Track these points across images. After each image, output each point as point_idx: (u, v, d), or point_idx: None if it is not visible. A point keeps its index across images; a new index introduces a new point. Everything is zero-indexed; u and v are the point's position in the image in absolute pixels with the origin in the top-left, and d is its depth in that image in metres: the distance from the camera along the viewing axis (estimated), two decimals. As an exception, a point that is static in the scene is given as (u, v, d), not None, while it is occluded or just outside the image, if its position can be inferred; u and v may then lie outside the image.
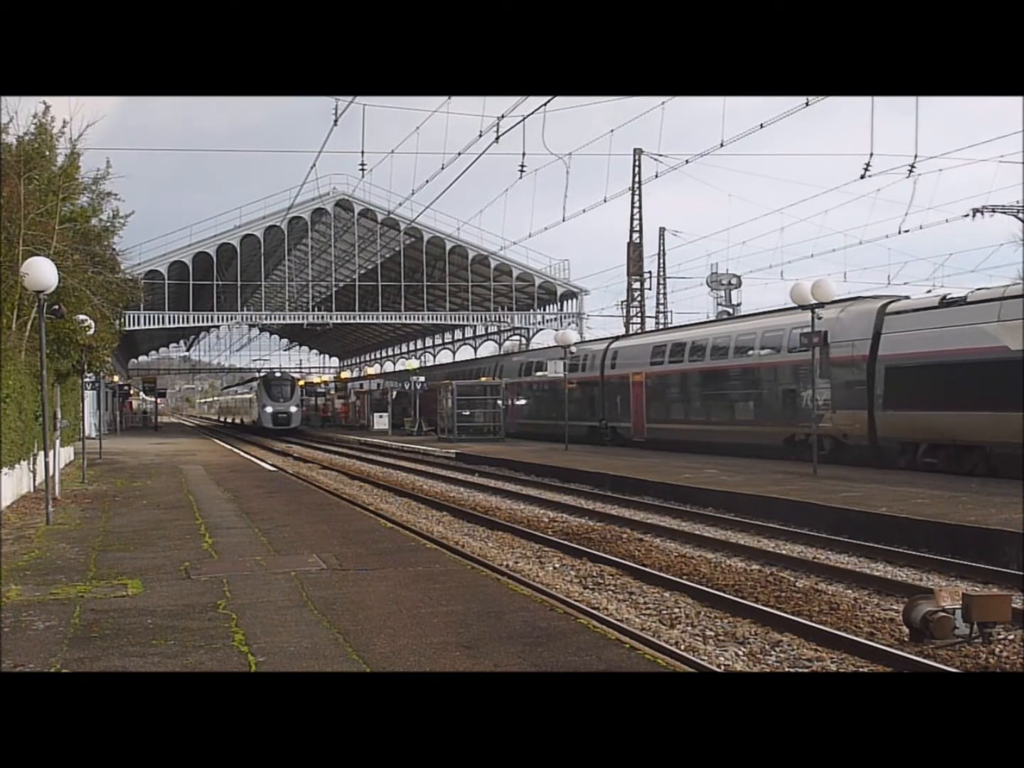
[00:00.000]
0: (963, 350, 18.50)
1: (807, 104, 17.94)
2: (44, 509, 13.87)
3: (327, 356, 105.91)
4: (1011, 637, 8.26)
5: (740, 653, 8.10)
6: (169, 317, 50.91)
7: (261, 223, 51.21)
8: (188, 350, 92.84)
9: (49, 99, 20.93)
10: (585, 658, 6.28)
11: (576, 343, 42.39)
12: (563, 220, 30.92)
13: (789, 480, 18.35)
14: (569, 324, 52.70)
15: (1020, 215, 25.18)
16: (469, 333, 67.78)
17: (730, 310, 49.07)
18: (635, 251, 47.01)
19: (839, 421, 21.91)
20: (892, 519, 13.24)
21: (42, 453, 15.86)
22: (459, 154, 23.05)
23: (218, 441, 45.29)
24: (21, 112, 29.48)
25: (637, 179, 45.66)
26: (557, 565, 12.29)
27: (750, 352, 25.69)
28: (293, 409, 56.63)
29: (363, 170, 26.44)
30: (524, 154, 23.40)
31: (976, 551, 11.57)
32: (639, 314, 47.98)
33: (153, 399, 74.52)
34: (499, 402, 39.54)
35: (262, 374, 64.02)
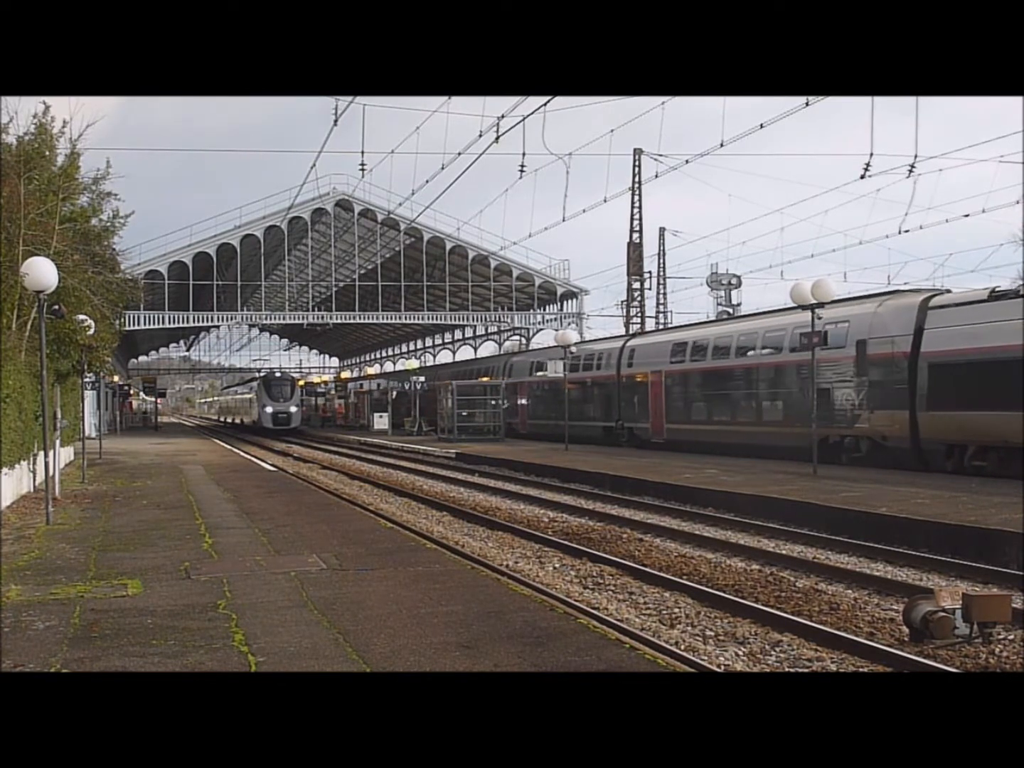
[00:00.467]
0: (1016, 346, 17.39)
1: (807, 104, 17.94)
2: (44, 509, 13.87)
3: (327, 356, 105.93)
4: (1011, 637, 8.27)
5: (740, 653, 8.10)
6: (169, 317, 50.92)
7: (261, 223, 51.22)
8: (188, 350, 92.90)
9: (49, 99, 20.96)
10: (585, 658, 6.28)
11: (590, 341, 42.09)
12: (563, 220, 30.93)
13: (789, 480, 18.35)
14: (569, 324, 52.71)
15: None
16: (469, 333, 67.79)
17: (730, 310, 49.07)
18: (635, 251, 47.02)
19: (877, 422, 20.92)
20: (892, 519, 13.24)
21: (42, 453, 15.86)
22: (459, 154, 23.06)
23: (218, 441, 45.29)
24: (21, 112, 29.55)
25: (637, 179, 45.68)
26: (557, 565, 12.29)
27: (778, 349, 24.45)
28: (293, 409, 56.65)
29: (363, 170, 26.45)
30: (524, 154, 23.41)
31: (976, 551, 11.57)
32: (639, 314, 47.98)
33: (153, 399, 74.51)
34: (499, 402, 39.50)
35: (262, 374, 64.03)
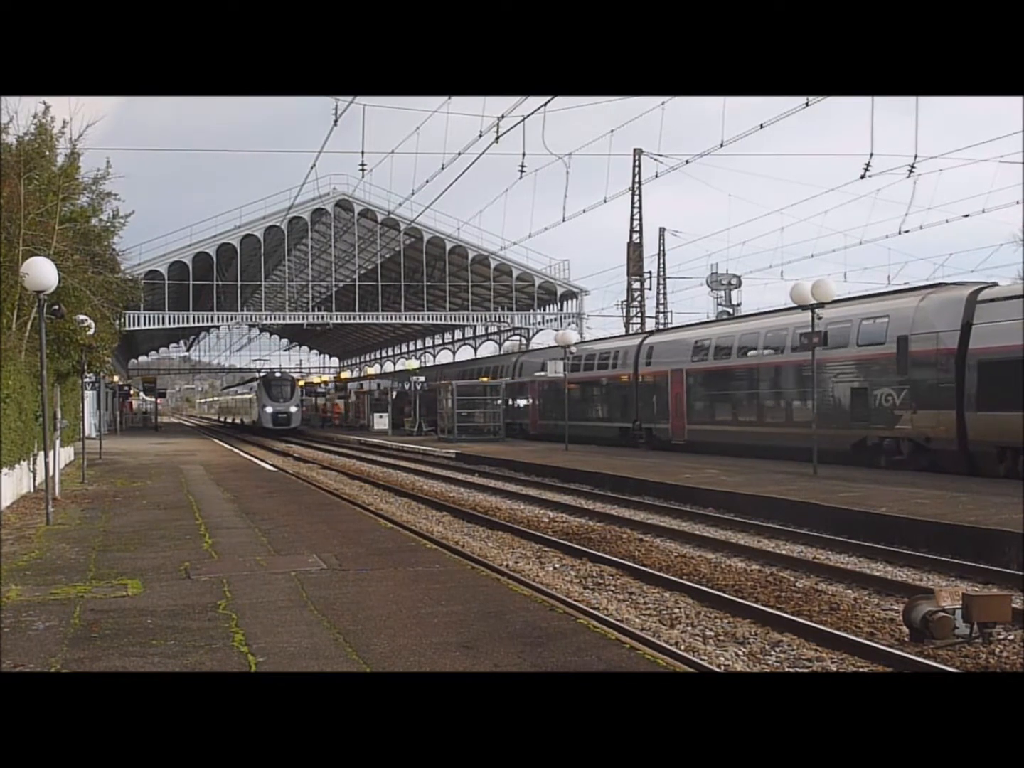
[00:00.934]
0: None
1: (807, 104, 17.95)
2: (44, 509, 13.87)
3: (327, 356, 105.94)
4: (1011, 637, 8.27)
5: (740, 653, 8.10)
6: (169, 317, 50.92)
7: (261, 223, 51.23)
8: (188, 350, 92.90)
9: (49, 99, 20.97)
10: (585, 658, 6.28)
11: (605, 339, 41.24)
12: (563, 220, 30.92)
13: (789, 480, 18.34)
14: (569, 324, 52.71)
15: None
16: (469, 333, 67.80)
17: (730, 310, 49.08)
18: (635, 251, 47.05)
19: (920, 422, 19.75)
20: (892, 519, 13.24)
21: (42, 453, 15.86)
22: (459, 154, 23.07)
23: (218, 441, 45.29)
24: (21, 112, 29.56)
25: (637, 179, 45.71)
26: (557, 565, 12.29)
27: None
28: (293, 409, 56.67)
29: (363, 170, 26.45)
30: (524, 154, 23.41)
31: (976, 551, 11.57)
32: (639, 314, 48.00)
33: (153, 399, 74.52)
34: (499, 402, 39.45)
35: (262, 374, 64.05)
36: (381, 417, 51.00)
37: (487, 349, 66.16)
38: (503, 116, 20.23)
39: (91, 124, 25.80)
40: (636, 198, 46.29)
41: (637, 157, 45.39)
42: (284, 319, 59.90)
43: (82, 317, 19.90)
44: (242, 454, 33.75)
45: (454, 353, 71.92)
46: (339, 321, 56.76)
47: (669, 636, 8.65)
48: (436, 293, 56.23)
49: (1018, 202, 29.84)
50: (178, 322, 52.52)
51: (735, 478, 19.11)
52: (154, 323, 51.03)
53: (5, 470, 15.08)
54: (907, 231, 29.36)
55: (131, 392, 70.10)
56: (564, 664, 6.12)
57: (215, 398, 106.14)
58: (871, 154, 20.98)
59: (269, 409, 55.70)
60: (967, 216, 30.63)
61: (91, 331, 20.16)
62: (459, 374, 47.91)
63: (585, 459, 25.83)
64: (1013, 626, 8.40)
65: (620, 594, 10.49)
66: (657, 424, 30.10)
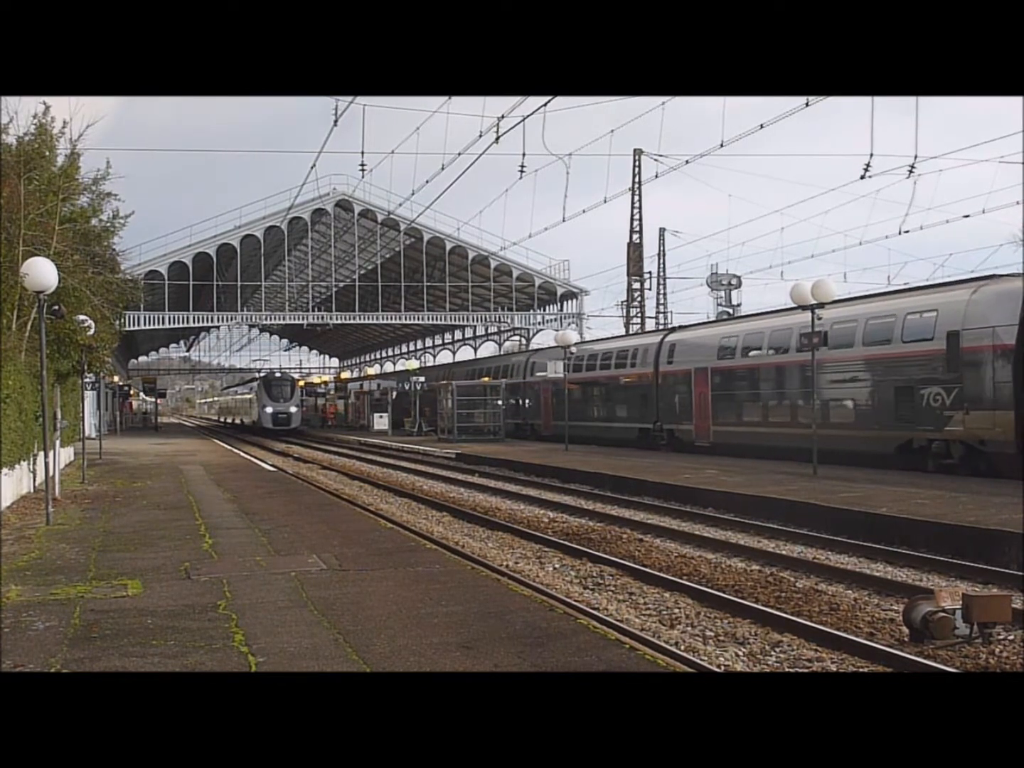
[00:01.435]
0: None
1: (807, 104, 17.97)
2: (44, 509, 13.87)
3: (327, 356, 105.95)
4: (1011, 637, 8.26)
5: (740, 653, 8.10)
6: (169, 317, 50.94)
7: (261, 223, 51.25)
8: (188, 350, 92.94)
9: (49, 99, 20.96)
10: (585, 658, 6.28)
11: (622, 336, 39.81)
12: (563, 220, 31.01)
13: (789, 480, 18.34)
14: (569, 324, 52.72)
15: None
16: (469, 333, 67.81)
17: (730, 311, 49.08)
18: (635, 251, 47.07)
19: (974, 424, 18.39)
20: (892, 519, 13.24)
21: (42, 453, 15.86)
22: (459, 154, 23.10)
23: (218, 441, 45.29)
24: (21, 112, 29.53)
25: (637, 179, 45.73)
26: (557, 565, 12.29)
27: (848, 344, 21.86)
28: (293, 409, 56.68)
29: (363, 170, 26.52)
30: (524, 154, 23.46)
31: (976, 551, 11.57)
32: (639, 314, 48.01)
33: (153, 399, 74.54)
34: (499, 402, 39.37)
35: (262, 374, 64.06)
36: (381, 417, 51.00)
37: (487, 349, 66.19)
38: (503, 116, 20.26)
39: (91, 124, 25.67)
40: (636, 198, 46.32)
41: (637, 157, 45.41)
42: (284, 319, 59.92)
43: (82, 317, 19.90)
44: (242, 454, 33.75)
45: (454, 353, 71.93)
46: (339, 321, 56.78)
47: (669, 636, 8.65)
48: (436, 293, 56.24)
49: (1018, 202, 29.89)
50: (178, 322, 52.53)
51: (735, 478, 19.10)
52: (154, 323, 51.05)
53: (5, 470, 15.08)
54: (907, 231, 29.41)
55: (131, 392, 70.10)
56: (564, 664, 6.12)
57: (215, 398, 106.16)
58: (871, 154, 21.05)
59: (269, 409, 55.71)
60: (967, 216, 30.69)
61: (91, 331, 20.16)
62: (467, 373, 47.20)
63: (585, 459, 25.83)
64: (1013, 626, 8.40)
65: (620, 594, 10.49)
66: (680, 425, 28.75)
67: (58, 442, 17.87)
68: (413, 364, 62.75)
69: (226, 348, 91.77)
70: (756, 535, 14.28)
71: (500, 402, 39.33)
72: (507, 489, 21.58)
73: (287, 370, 76.86)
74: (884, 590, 10.33)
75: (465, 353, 68.62)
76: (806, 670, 7.62)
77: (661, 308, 53.43)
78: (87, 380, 24.93)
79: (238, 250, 51.43)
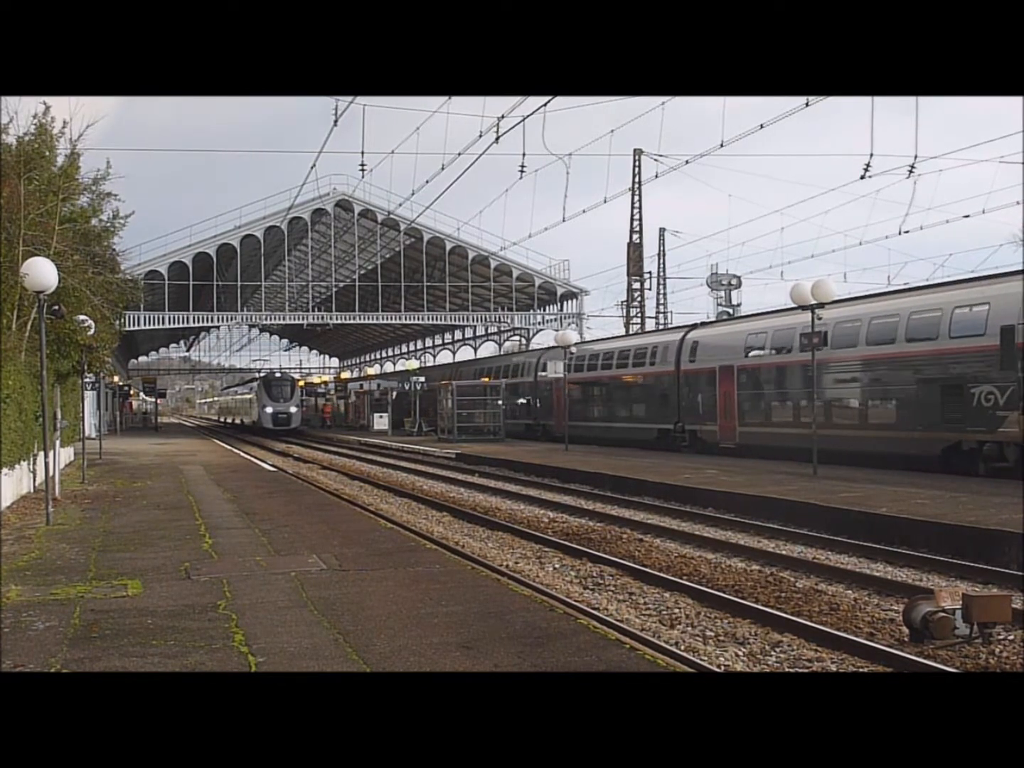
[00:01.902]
0: None
1: (807, 104, 17.98)
2: (44, 509, 13.87)
3: (327, 356, 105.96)
4: (1011, 637, 8.26)
5: (740, 653, 8.10)
6: (169, 317, 50.94)
7: (261, 223, 51.25)
8: (188, 350, 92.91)
9: (49, 99, 20.97)
10: (585, 658, 6.28)
11: (640, 334, 38.98)
12: (563, 220, 31.02)
13: (789, 480, 18.34)
14: (569, 324, 52.71)
15: None
16: (469, 333, 67.82)
17: (730, 311, 49.08)
18: (635, 251, 47.07)
19: None
20: (892, 519, 13.24)
21: (42, 453, 15.86)
22: (459, 154, 23.11)
23: (218, 441, 45.29)
24: (21, 112, 29.51)
25: (637, 179, 45.73)
26: (557, 565, 12.29)
27: (890, 340, 20.59)
28: (293, 409, 56.68)
29: (363, 170, 26.53)
30: (524, 154, 23.48)
31: (976, 551, 11.57)
32: (639, 314, 48.02)
33: (153, 399, 74.54)
34: (500, 402, 39.33)
35: (262, 374, 64.06)
36: (381, 417, 50.99)
37: (487, 349, 66.17)
38: (503, 116, 20.27)
39: (91, 124, 25.69)
40: (636, 198, 46.32)
41: (637, 157, 45.42)
42: (284, 319, 59.92)
43: (82, 317, 19.90)
44: (242, 454, 33.75)
45: (454, 353, 71.93)
46: (339, 321, 56.78)
47: (669, 636, 8.65)
48: (436, 293, 56.24)
49: (1018, 202, 29.89)
50: (178, 322, 52.53)
51: (735, 478, 19.10)
52: (154, 323, 51.05)
53: (5, 470, 15.08)
54: (907, 231, 29.38)
55: (131, 392, 70.10)
56: (564, 664, 6.12)
57: (215, 398, 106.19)
58: (871, 154, 21.06)
59: (269, 409, 55.72)
60: (967, 216, 30.69)
61: (91, 331, 20.16)
62: (476, 373, 46.60)
63: (585, 459, 25.83)
64: (1013, 626, 8.40)
65: (620, 594, 10.49)
66: (703, 426, 27.48)
67: (58, 442, 17.87)
68: (413, 364, 62.74)
69: (226, 348, 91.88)
70: (756, 535, 14.28)
71: (500, 402, 39.29)
72: (507, 489, 21.58)
73: (287, 370, 76.86)
74: (884, 590, 10.33)
75: (465, 353, 68.58)
76: (806, 670, 7.62)
77: (661, 308, 53.44)
78: (87, 380, 24.93)
79: (238, 250, 51.43)
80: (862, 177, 21.31)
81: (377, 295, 55.45)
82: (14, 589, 8.72)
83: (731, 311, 49.01)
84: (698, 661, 7.59)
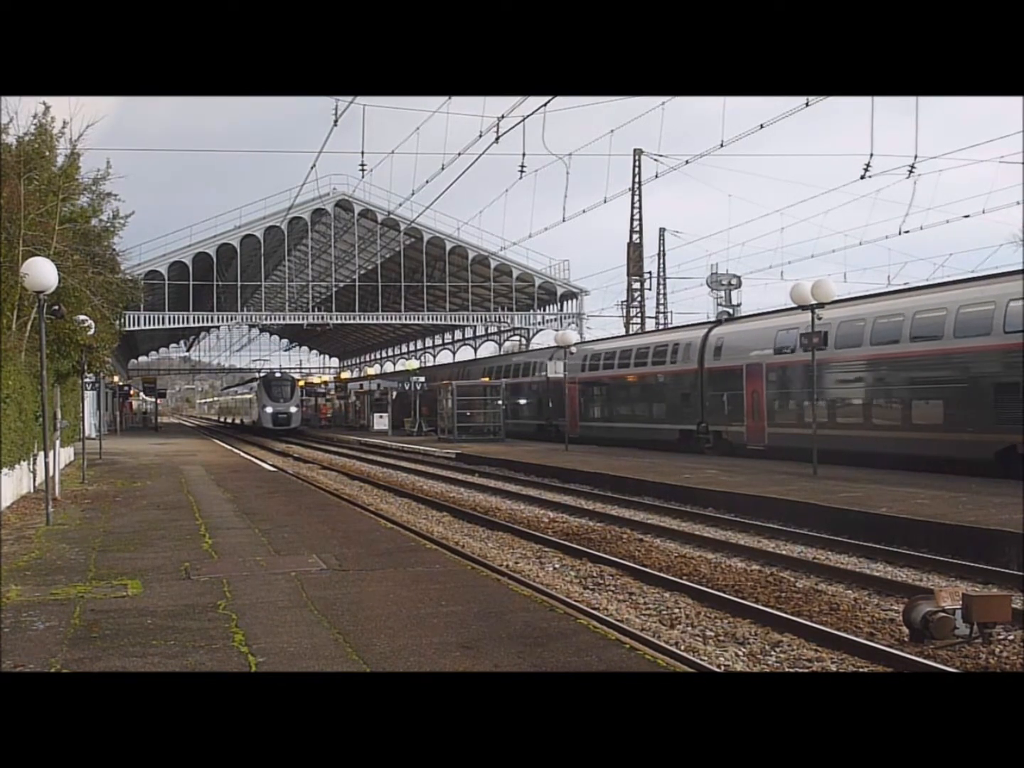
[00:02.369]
0: None
1: (807, 104, 17.97)
2: (44, 509, 13.87)
3: (327, 356, 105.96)
4: (1011, 637, 8.26)
5: (740, 653, 8.10)
6: (169, 317, 50.94)
7: (261, 223, 51.24)
8: (188, 350, 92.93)
9: (49, 99, 20.96)
10: (585, 658, 6.28)
11: (658, 330, 37.74)
12: (563, 220, 30.96)
13: (789, 480, 18.34)
14: (569, 324, 52.70)
15: None
16: (469, 333, 67.83)
17: (730, 311, 49.06)
18: (635, 251, 47.07)
19: None
20: (892, 519, 13.24)
21: (42, 453, 15.86)
22: (459, 154, 23.10)
23: (218, 441, 45.29)
24: (21, 112, 29.53)
25: (637, 179, 45.73)
26: (557, 565, 12.29)
27: (936, 336, 19.47)
28: (293, 409, 56.70)
29: (363, 170, 26.51)
30: (524, 154, 23.46)
31: (976, 551, 11.56)
32: (639, 314, 48.01)
33: (153, 399, 74.55)
34: (500, 402, 39.28)
35: (262, 374, 64.06)
36: (381, 417, 50.98)
37: (487, 349, 66.16)
38: (503, 116, 20.26)
39: (91, 124, 25.65)
40: (636, 198, 46.32)
41: (637, 157, 45.41)
42: (284, 319, 59.92)
43: (82, 317, 19.90)
44: (242, 454, 33.75)
45: (454, 353, 71.93)
46: (339, 321, 56.78)
47: (669, 636, 8.65)
48: (436, 293, 56.23)
49: (1018, 202, 29.87)
50: (178, 322, 52.53)
51: (735, 478, 19.10)
52: (154, 323, 51.05)
53: (5, 470, 15.08)
54: (907, 231, 29.29)
55: (131, 392, 70.10)
56: (564, 664, 6.12)
57: (215, 398, 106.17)
58: (871, 154, 21.03)
59: (269, 409, 55.72)
60: (967, 216, 30.65)
61: (91, 331, 20.15)
62: (485, 372, 46.15)
63: (585, 459, 25.83)
64: (1013, 626, 8.40)
65: (620, 594, 10.49)
66: (729, 426, 26.24)
67: (58, 442, 17.87)
68: (413, 364, 62.72)
69: (226, 348, 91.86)
70: (756, 535, 14.28)
71: (500, 402, 39.24)
72: (507, 489, 21.58)
73: (287, 370, 76.86)
74: (884, 590, 10.33)
75: (465, 353, 68.52)
76: (806, 670, 7.62)
77: (661, 308, 53.43)
78: (87, 380, 24.93)
79: (238, 250, 51.42)
80: (862, 177, 21.31)
81: (377, 295, 55.43)
82: (14, 589, 8.72)
83: (731, 311, 48.97)
84: (698, 661, 7.59)
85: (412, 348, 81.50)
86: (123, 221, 27.23)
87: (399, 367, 79.73)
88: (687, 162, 26.45)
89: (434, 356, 76.37)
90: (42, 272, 13.24)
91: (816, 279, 19.74)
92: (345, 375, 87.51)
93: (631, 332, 45.30)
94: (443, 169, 24.54)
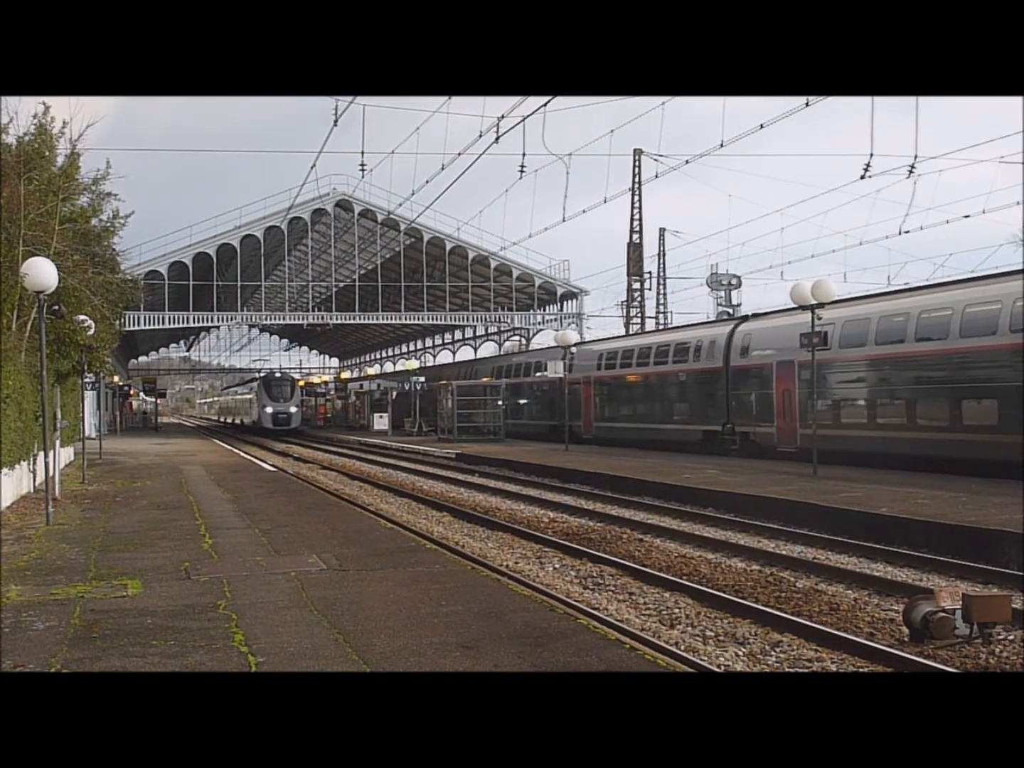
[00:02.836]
0: None
1: (807, 104, 17.97)
2: (44, 509, 13.87)
3: (327, 356, 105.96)
4: (1011, 637, 8.27)
5: (740, 653, 8.10)
6: (169, 317, 50.94)
7: (261, 223, 51.24)
8: (188, 350, 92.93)
9: (49, 99, 20.97)
10: (585, 658, 6.28)
11: (679, 327, 36.23)
12: (563, 220, 30.95)
13: (789, 480, 18.34)
14: (569, 324, 52.70)
15: None
16: (469, 333, 67.83)
17: (730, 311, 49.06)
18: (635, 251, 47.07)
19: None
20: (892, 519, 13.24)
21: (42, 453, 15.86)
22: (459, 154, 23.11)
23: (218, 441, 45.29)
24: (21, 112, 29.55)
25: (637, 179, 45.73)
26: (557, 565, 12.29)
27: (991, 331, 18.16)
28: (293, 409, 56.70)
29: (363, 170, 26.52)
30: (524, 154, 23.47)
31: (976, 551, 11.57)
32: (639, 314, 48.02)
33: (153, 399, 74.55)
34: (500, 402, 39.24)
35: (262, 374, 64.07)
36: (381, 417, 50.97)
37: (487, 349, 66.15)
38: (503, 116, 20.26)
39: (91, 124, 25.67)
40: (636, 198, 46.32)
41: (637, 157, 45.41)
42: (284, 319, 59.93)
43: (82, 317, 19.89)
44: (242, 454, 33.75)
45: (454, 353, 71.95)
46: (339, 321, 56.79)
47: (669, 636, 8.65)
48: (436, 293, 56.24)
49: (1018, 202, 29.86)
50: (178, 322, 52.54)
51: (735, 478, 19.11)
52: (154, 323, 51.06)
53: (5, 470, 15.08)
54: (907, 231, 29.28)
55: (131, 392, 70.10)
56: (564, 664, 6.12)
57: (215, 398, 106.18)
58: (871, 154, 21.03)
59: (269, 409, 55.73)
60: (967, 216, 30.65)
61: (91, 331, 20.15)
62: (492, 371, 45.73)
63: (585, 459, 25.83)
64: (1013, 626, 8.40)
65: (620, 594, 10.49)
66: (757, 427, 25.02)
67: (58, 442, 17.87)
68: (413, 364, 62.71)
69: (226, 348, 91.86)
70: (756, 535, 14.28)
71: (500, 402, 39.21)
72: (507, 489, 21.58)
73: (287, 370, 76.87)
74: (884, 590, 10.33)
75: (465, 353, 68.50)
76: (806, 670, 7.62)
77: (661, 308, 53.43)
78: (87, 380, 24.93)
79: (238, 250, 51.43)
80: (862, 177, 21.31)
81: (377, 295, 55.44)
82: (14, 589, 8.72)
83: (731, 311, 48.96)
84: (698, 661, 7.59)
85: (412, 348, 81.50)
86: (123, 221, 27.25)
87: (399, 367, 79.73)
88: (687, 162, 26.46)
89: (434, 356, 76.39)
90: (42, 272, 13.24)
91: (816, 279, 19.74)
92: (345, 375, 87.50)
93: (645, 330, 45.13)
94: (443, 169, 24.56)
